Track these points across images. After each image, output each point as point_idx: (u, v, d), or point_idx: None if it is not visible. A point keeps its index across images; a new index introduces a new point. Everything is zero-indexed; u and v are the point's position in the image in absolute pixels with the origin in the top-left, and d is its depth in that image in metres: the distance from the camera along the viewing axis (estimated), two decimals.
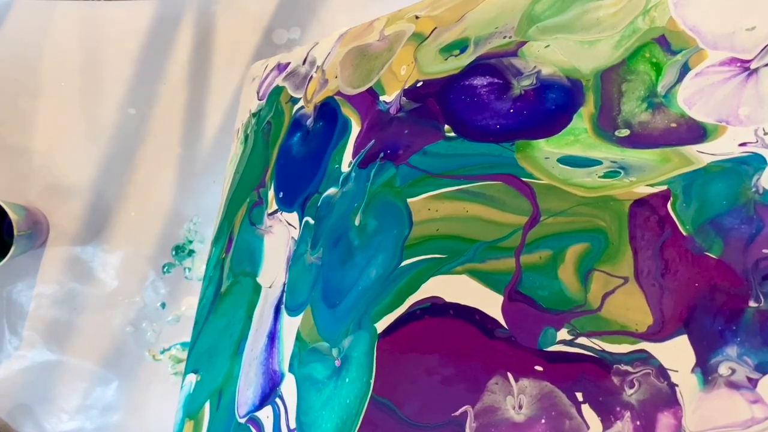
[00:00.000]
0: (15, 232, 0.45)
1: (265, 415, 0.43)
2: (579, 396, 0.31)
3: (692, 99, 0.33)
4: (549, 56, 0.39)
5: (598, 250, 0.33)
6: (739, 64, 0.32)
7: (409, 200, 0.42)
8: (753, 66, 0.32)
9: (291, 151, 0.52)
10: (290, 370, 0.44)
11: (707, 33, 0.34)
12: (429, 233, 0.40)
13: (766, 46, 0.32)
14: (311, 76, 0.52)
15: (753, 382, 0.28)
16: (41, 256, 0.51)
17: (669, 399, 0.29)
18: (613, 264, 0.33)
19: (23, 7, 0.52)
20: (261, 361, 0.46)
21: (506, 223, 0.37)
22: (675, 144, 0.33)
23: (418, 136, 0.44)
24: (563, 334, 0.33)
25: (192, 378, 0.49)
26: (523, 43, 0.40)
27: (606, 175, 0.34)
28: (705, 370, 0.29)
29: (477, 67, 0.43)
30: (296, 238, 0.48)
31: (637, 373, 0.30)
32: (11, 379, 0.50)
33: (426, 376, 0.37)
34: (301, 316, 0.45)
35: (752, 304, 0.29)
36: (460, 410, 0.35)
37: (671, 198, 0.32)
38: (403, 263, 0.41)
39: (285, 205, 0.51)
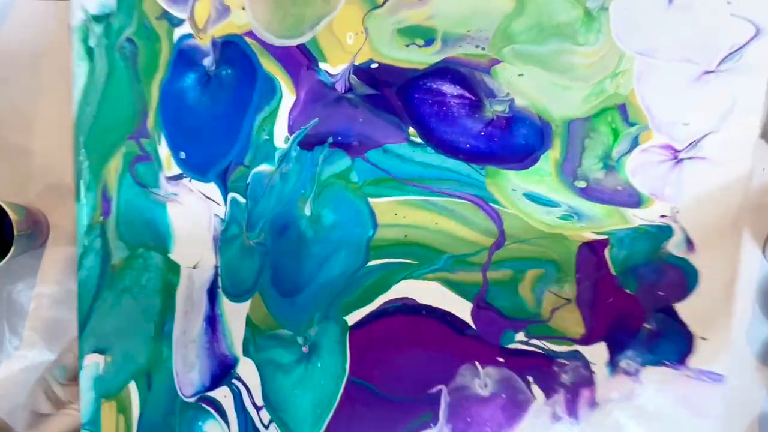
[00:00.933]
0: (15, 232, 0.44)
1: (222, 395, 0.46)
2: (530, 378, 0.45)
3: (636, 170, 0.42)
4: (522, 87, 0.42)
5: (551, 276, 0.44)
6: (672, 151, 0.41)
7: (371, 200, 0.44)
8: (681, 156, 0.41)
9: (185, 98, 0.44)
10: (245, 354, 0.46)
11: (656, 116, 0.41)
12: (396, 237, 0.44)
13: (692, 142, 0.41)
14: None
15: (637, 372, 0.44)
16: (41, 256, 0.49)
17: (589, 381, 0.44)
18: (561, 288, 0.44)
19: (23, 7, 0.47)
20: (201, 345, 0.46)
21: (473, 241, 0.44)
22: (618, 205, 0.42)
23: (377, 130, 0.43)
24: (520, 336, 0.44)
25: (97, 358, 0.47)
26: (497, 61, 0.41)
27: (563, 218, 0.43)
28: (613, 364, 0.44)
29: (446, 71, 0.42)
30: (222, 216, 0.45)
31: (570, 365, 0.44)
32: (11, 379, 0.51)
33: (402, 361, 0.45)
34: (248, 303, 0.45)
35: (647, 326, 0.44)
36: (435, 388, 0.45)
37: (609, 245, 0.43)
38: (371, 263, 0.45)
39: (194, 172, 0.45)
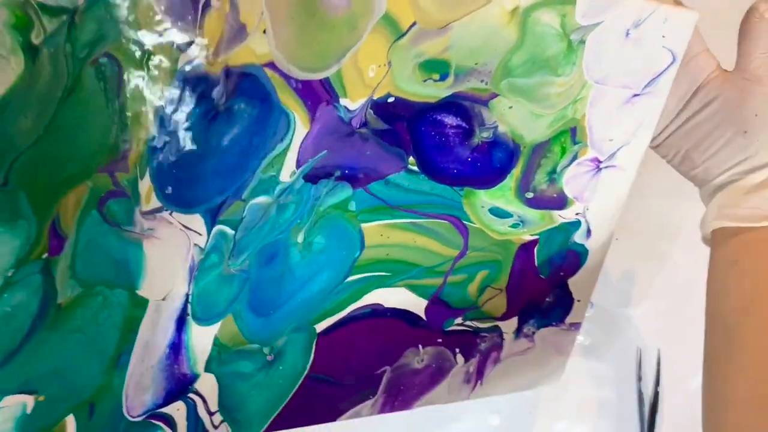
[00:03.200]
0: None
1: (175, 408, 0.42)
2: (456, 350, 0.50)
3: (569, 180, 0.47)
4: (508, 118, 0.41)
5: (493, 275, 0.48)
6: (597, 163, 0.47)
7: (362, 225, 0.41)
8: (601, 166, 0.47)
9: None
10: (207, 370, 0.42)
11: (594, 134, 0.45)
12: (379, 256, 0.43)
13: (611, 155, 0.47)
14: (208, 1, 0.29)
15: (533, 335, 0.53)
16: None
17: (499, 345, 0.52)
18: (498, 282, 0.48)
19: None
20: (161, 368, 0.41)
21: (444, 254, 0.45)
22: (550, 209, 0.47)
23: (382, 162, 0.40)
24: (459, 320, 0.48)
25: (24, 399, 0.35)
26: (495, 95, 0.40)
27: (512, 226, 0.46)
28: (518, 331, 0.52)
29: (452, 105, 0.40)
30: (202, 246, 0.36)
31: (489, 336, 0.50)
32: None
33: (359, 354, 0.46)
34: (218, 325, 0.40)
35: (548, 300, 0.52)
36: (381, 369, 0.47)
37: (538, 244, 0.48)
38: (349, 279, 0.42)
39: (179, 206, 0.34)
